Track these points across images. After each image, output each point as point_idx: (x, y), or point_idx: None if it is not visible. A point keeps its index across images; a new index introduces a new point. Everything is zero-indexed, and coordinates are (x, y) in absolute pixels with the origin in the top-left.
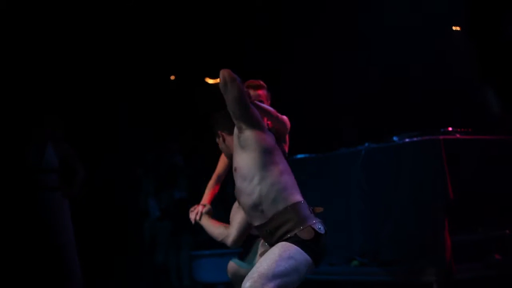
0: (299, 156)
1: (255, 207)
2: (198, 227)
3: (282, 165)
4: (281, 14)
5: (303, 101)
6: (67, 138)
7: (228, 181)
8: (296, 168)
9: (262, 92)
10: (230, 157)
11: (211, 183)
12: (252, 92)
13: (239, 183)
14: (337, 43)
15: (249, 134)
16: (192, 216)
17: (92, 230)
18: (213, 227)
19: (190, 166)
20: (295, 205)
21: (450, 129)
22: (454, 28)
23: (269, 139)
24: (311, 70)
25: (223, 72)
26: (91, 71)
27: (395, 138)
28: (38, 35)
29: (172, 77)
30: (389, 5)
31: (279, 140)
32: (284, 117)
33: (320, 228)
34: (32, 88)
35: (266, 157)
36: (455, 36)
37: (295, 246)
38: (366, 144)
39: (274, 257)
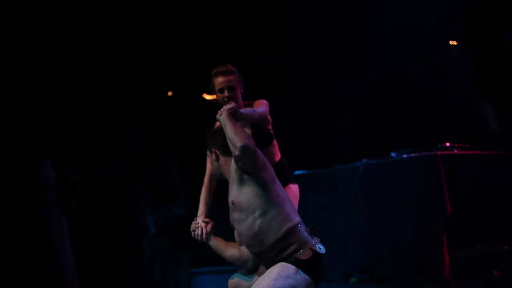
0: (297, 172)
1: (254, 238)
2: (196, 243)
3: (282, 193)
4: (281, 15)
5: (302, 110)
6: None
7: (225, 193)
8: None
9: (232, 78)
10: (216, 175)
11: (204, 192)
12: (221, 79)
13: (236, 215)
14: (335, 64)
15: (250, 177)
16: (198, 236)
17: (90, 248)
18: (223, 248)
19: (189, 182)
20: (294, 229)
21: (447, 144)
22: (451, 42)
23: (270, 172)
24: (310, 78)
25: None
26: (88, 88)
27: (393, 154)
28: (34, 52)
29: (170, 93)
30: (387, 17)
31: (263, 122)
32: (262, 108)
33: (320, 248)
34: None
35: (267, 192)
36: (452, 51)
37: (293, 266)
38: (364, 160)
39: (273, 275)
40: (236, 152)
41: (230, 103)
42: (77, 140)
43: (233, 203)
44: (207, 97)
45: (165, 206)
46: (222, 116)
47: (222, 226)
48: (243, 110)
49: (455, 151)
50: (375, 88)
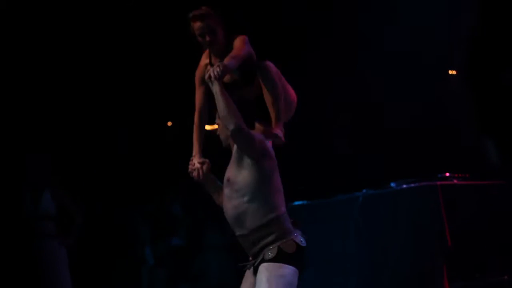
0: (297, 203)
1: (238, 218)
2: (196, 274)
3: (277, 184)
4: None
5: (300, 140)
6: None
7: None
8: (294, 215)
9: (211, 21)
10: (205, 109)
11: (195, 131)
12: (199, 24)
13: (227, 191)
14: (334, 91)
15: (250, 161)
16: (195, 174)
17: (89, 279)
18: (215, 193)
19: (189, 215)
20: (279, 217)
21: (447, 174)
22: (450, 72)
23: (272, 161)
24: (310, 107)
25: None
26: (87, 120)
27: (392, 184)
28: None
29: (169, 123)
30: (387, 46)
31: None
32: (244, 48)
33: (301, 241)
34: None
35: (264, 181)
36: (452, 80)
37: (281, 265)
38: (364, 191)
39: (265, 279)
40: (229, 133)
41: (218, 66)
42: (77, 171)
43: (228, 180)
44: (208, 127)
45: (164, 238)
46: (214, 88)
47: (219, 234)
48: (230, 63)
49: (455, 181)
50: (374, 117)
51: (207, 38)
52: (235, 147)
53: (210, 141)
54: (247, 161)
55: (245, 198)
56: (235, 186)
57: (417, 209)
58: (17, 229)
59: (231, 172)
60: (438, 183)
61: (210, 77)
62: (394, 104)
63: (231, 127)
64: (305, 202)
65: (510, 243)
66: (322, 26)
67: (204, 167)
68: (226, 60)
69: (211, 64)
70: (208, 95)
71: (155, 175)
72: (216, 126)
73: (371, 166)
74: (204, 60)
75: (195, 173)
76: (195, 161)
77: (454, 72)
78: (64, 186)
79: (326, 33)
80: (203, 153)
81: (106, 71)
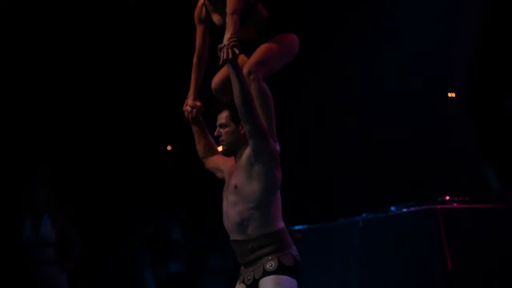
0: (297, 227)
1: (241, 224)
2: None
3: (278, 194)
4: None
5: (301, 164)
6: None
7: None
8: (293, 239)
9: None
10: (205, 53)
11: (192, 72)
12: None
13: (232, 198)
14: (338, 108)
15: (262, 170)
16: (186, 114)
17: None
18: (198, 138)
19: (189, 240)
20: (281, 229)
21: (447, 198)
22: (449, 94)
23: (280, 173)
24: (310, 132)
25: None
26: (86, 143)
27: (392, 208)
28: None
29: (169, 147)
30: (388, 67)
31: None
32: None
33: (297, 255)
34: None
35: (272, 191)
36: (451, 103)
37: (287, 277)
38: (364, 215)
39: None
40: (244, 122)
41: (229, 43)
42: (76, 196)
43: (235, 187)
44: None
45: (164, 263)
46: (230, 71)
47: (220, 259)
48: (234, 27)
49: (455, 204)
50: (374, 141)
51: None
52: (245, 153)
53: None
54: (257, 169)
55: (251, 205)
56: (243, 193)
57: (417, 232)
58: (17, 256)
59: (238, 179)
60: (438, 206)
61: (225, 60)
62: (393, 128)
63: (247, 114)
64: (305, 226)
65: (511, 266)
66: (321, 49)
67: (194, 111)
68: (228, 26)
69: (205, 4)
70: (206, 35)
71: (155, 199)
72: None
73: (370, 189)
74: None
75: (185, 114)
76: (188, 103)
77: (453, 95)
78: (63, 211)
79: (324, 54)
80: None
81: (106, 94)
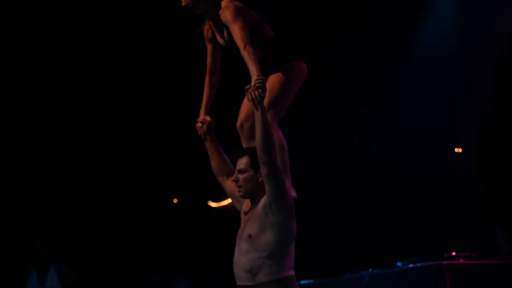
0: (303, 282)
1: (250, 272)
2: None
3: (292, 245)
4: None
5: (307, 220)
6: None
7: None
8: None
9: None
10: (216, 71)
11: (204, 90)
12: None
13: (245, 246)
14: (341, 177)
15: (277, 220)
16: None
17: None
18: (212, 154)
19: None
20: (290, 278)
21: (453, 253)
22: (456, 149)
23: (294, 227)
24: (316, 185)
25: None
26: (92, 195)
27: (398, 264)
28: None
29: (175, 200)
30: (394, 120)
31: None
32: (236, 25)
33: None
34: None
35: (285, 242)
36: (456, 158)
37: None
38: (370, 270)
39: None
40: (262, 166)
41: (259, 80)
42: (81, 249)
43: (250, 236)
44: (213, 204)
45: None
46: (259, 113)
47: None
48: (250, 58)
49: (461, 260)
50: (379, 196)
51: (183, 3)
52: (261, 202)
53: None
54: (272, 219)
55: (263, 254)
56: (256, 243)
57: None
58: None
59: (253, 228)
60: (445, 262)
61: (253, 101)
62: (400, 183)
63: (266, 157)
64: (311, 281)
65: None
66: (332, 102)
67: (204, 126)
68: (250, 66)
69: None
70: (216, 53)
71: (161, 251)
72: (220, 204)
73: (377, 244)
74: (208, 20)
75: (198, 131)
76: (198, 119)
77: (460, 150)
78: (69, 264)
79: (333, 111)
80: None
81: (113, 146)
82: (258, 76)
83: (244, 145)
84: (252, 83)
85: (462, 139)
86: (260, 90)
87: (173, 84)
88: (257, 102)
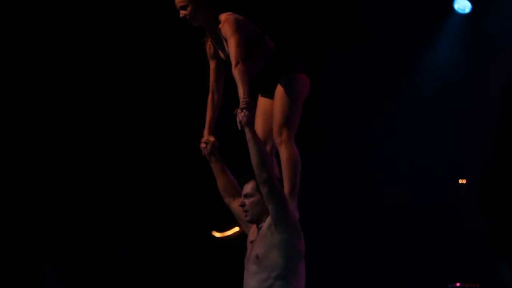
0: None
1: None
2: None
3: (302, 270)
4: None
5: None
6: None
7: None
8: None
9: (190, 8)
10: (219, 93)
11: (207, 109)
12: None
13: (253, 268)
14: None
15: (282, 238)
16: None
17: None
18: (218, 174)
19: None
20: None
21: (458, 284)
22: (460, 181)
23: (303, 244)
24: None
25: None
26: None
27: None
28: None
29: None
30: (399, 154)
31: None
32: (234, 39)
33: None
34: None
35: (293, 263)
36: (462, 189)
37: None
38: None
39: None
40: (261, 185)
41: (242, 106)
42: (85, 273)
43: (257, 257)
44: (217, 234)
45: None
46: (246, 134)
47: None
48: (240, 78)
49: None
50: (384, 226)
51: (180, 15)
52: (266, 222)
53: None
54: (277, 237)
55: (273, 274)
56: (264, 263)
57: None
58: None
59: (260, 249)
60: None
61: (240, 123)
62: (401, 212)
63: (264, 176)
64: None
65: None
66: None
67: (208, 147)
68: (238, 86)
69: (205, 42)
70: (219, 70)
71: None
72: (224, 234)
73: (378, 275)
74: (208, 36)
75: (203, 152)
76: (202, 140)
77: (464, 181)
78: None
79: (336, 142)
80: None
81: (117, 178)
82: (243, 98)
83: None
84: (240, 105)
85: (467, 171)
86: (245, 111)
87: (179, 110)
88: (243, 124)
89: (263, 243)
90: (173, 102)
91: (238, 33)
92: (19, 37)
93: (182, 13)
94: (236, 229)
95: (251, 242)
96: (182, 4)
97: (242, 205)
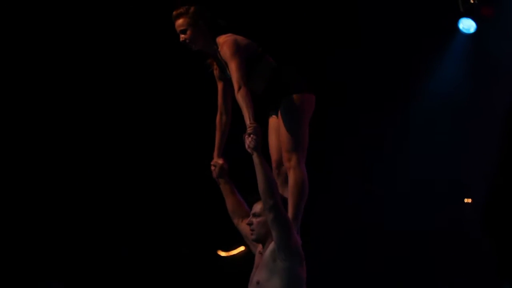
0: None
1: None
2: None
3: None
4: None
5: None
6: None
7: None
8: None
9: (181, 21)
10: (227, 110)
11: (216, 132)
12: (175, 23)
13: None
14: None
15: (284, 266)
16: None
17: None
18: (227, 195)
19: None
20: None
21: None
22: (466, 200)
23: (304, 272)
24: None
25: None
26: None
27: None
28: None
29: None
30: (400, 173)
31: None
32: (234, 63)
33: None
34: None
35: None
36: (466, 208)
37: None
38: None
39: None
40: (266, 211)
41: (250, 131)
42: None
43: (258, 283)
44: (222, 253)
45: None
46: (255, 160)
47: None
48: (244, 104)
49: None
50: (388, 244)
51: (180, 39)
52: (269, 247)
53: None
54: (280, 264)
55: None
56: None
57: None
58: None
59: (261, 275)
60: None
61: (249, 148)
62: (407, 231)
63: (270, 203)
64: None
65: None
66: (340, 154)
67: (216, 170)
68: (243, 111)
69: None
70: (227, 92)
71: None
72: (230, 253)
73: None
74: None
75: (212, 173)
76: (212, 162)
77: (469, 200)
78: None
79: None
80: None
81: (120, 196)
82: (250, 123)
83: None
84: (247, 130)
85: (472, 191)
86: (253, 136)
87: (191, 128)
88: (251, 149)
89: (265, 269)
90: (186, 120)
91: (237, 56)
92: (19, 37)
93: (182, 37)
94: (242, 248)
95: (260, 252)
96: (181, 28)
97: (250, 224)
